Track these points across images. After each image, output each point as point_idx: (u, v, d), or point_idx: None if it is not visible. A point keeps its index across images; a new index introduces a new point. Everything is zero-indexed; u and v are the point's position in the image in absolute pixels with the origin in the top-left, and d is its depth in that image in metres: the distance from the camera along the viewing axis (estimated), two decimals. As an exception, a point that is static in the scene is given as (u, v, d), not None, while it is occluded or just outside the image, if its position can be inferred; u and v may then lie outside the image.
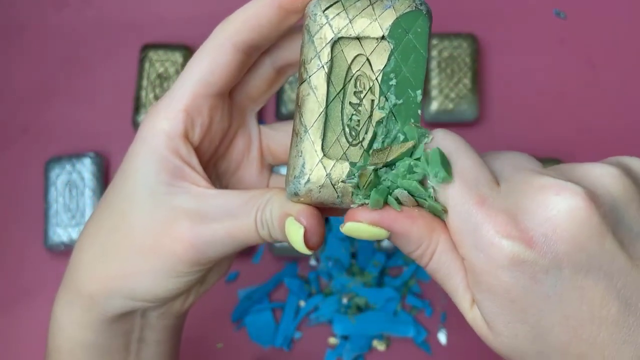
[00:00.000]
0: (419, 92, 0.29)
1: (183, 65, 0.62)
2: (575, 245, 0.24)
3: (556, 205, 0.24)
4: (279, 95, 0.62)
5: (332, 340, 0.57)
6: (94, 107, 0.64)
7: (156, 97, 0.61)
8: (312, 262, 0.59)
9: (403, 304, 0.57)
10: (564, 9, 0.65)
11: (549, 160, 0.57)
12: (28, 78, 0.65)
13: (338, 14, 0.28)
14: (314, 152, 0.28)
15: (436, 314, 0.57)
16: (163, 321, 0.35)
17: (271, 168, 0.37)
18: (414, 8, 0.29)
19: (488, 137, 0.62)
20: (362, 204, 0.28)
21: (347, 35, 0.28)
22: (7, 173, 0.62)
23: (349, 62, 0.29)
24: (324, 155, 0.28)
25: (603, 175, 0.26)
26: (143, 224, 0.30)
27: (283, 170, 0.45)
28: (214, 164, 0.35)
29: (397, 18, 0.29)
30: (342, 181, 0.28)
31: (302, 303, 0.58)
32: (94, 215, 0.33)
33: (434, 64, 0.61)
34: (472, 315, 0.28)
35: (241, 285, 0.59)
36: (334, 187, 0.28)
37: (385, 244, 0.57)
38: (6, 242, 0.60)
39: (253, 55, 0.31)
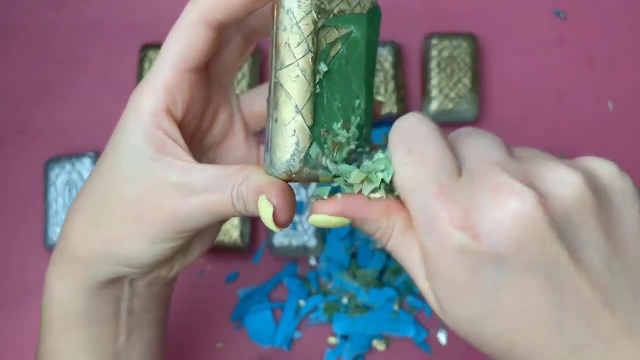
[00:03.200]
0: (357, 101, 0.32)
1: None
2: (518, 246, 0.26)
3: (505, 207, 0.26)
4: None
5: (332, 340, 0.57)
6: (93, 107, 0.64)
7: (156, 97, 0.61)
8: (312, 262, 0.59)
9: (403, 304, 0.57)
10: (564, 9, 0.65)
11: (549, 160, 0.57)
12: (28, 78, 0.65)
13: (322, 1, 0.30)
14: (307, 132, 0.30)
15: (436, 314, 0.57)
16: (150, 290, 0.37)
17: (257, 134, 0.39)
18: (374, 5, 0.32)
19: (488, 137, 0.62)
20: (333, 178, 0.31)
21: (329, 24, 0.30)
22: (7, 173, 0.62)
23: (329, 47, 0.31)
24: (313, 135, 0.30)
25: (563, 182, 0.27)
26: (131, 194, 0.32)
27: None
28: (199, 139, 0.36)
29: (367, 10, 0.31)
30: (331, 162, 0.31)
31: (302, 303, 0.58)
32: (86, 186, 0.35)
33: (434, 64, 0.60)
34: (426, 289, 0.30)
35: (241, 285, 0.59)
36: (322, 166, 0.31)
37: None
38: (6, 242, 0.60)
39: (225, 31, 0.33)
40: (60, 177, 0.59)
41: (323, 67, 0.30)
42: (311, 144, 0.30)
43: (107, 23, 0.66)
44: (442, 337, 0.57)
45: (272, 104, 0.31)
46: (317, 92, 0.30)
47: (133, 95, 0.33)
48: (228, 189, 0.31)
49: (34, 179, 0.61)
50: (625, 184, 0.28)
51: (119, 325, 0.37)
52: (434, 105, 0.60)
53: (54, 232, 0.58)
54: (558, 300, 0.26)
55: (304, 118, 0.30)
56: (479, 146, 0.29)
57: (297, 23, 0.30)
